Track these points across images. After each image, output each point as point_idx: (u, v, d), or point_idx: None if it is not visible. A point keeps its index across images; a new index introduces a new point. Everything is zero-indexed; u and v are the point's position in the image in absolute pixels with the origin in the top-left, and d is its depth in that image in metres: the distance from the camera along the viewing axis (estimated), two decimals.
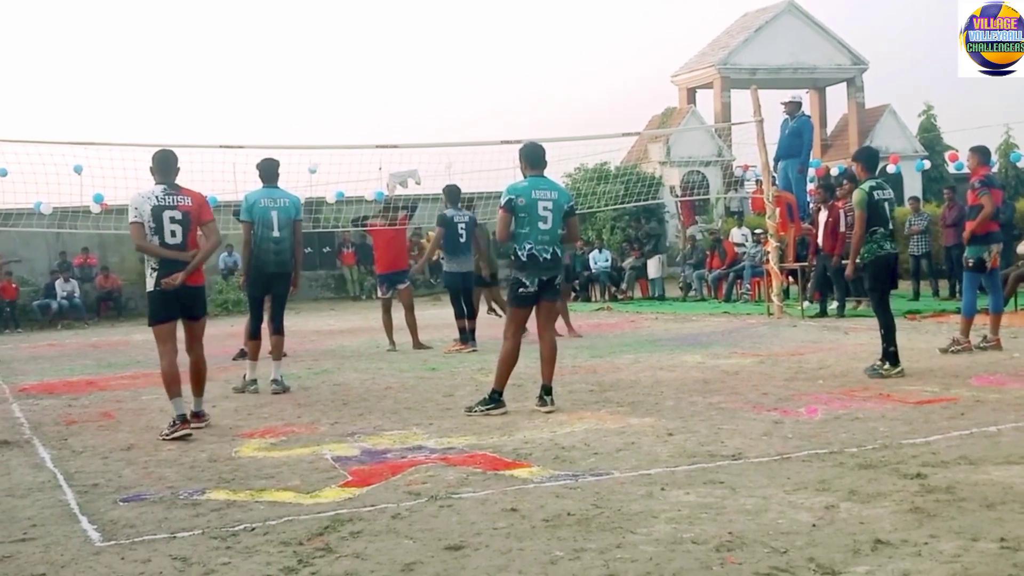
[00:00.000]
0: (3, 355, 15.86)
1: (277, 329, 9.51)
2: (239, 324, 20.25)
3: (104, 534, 4.69)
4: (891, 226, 8.79)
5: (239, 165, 18.61)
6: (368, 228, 13.91)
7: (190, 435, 7.06)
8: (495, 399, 7.61)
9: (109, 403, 9.15)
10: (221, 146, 15.78)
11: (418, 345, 12.92)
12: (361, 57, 70.35)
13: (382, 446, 6.51)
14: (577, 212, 7.89)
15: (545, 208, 7.55)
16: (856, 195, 8.86)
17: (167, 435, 7.07)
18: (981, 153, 10.57)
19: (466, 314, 12.73)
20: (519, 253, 7.56)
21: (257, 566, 4.11)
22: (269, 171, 9.69)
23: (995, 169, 28.76)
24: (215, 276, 26.13)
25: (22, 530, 4.85)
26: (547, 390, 7.68)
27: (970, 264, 10.14)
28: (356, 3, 72.29)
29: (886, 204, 8.79)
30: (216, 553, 4.30)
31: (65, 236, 24.33)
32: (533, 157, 7.79)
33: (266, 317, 9.67)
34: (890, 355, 8.59)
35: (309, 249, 29.29)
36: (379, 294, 13.30)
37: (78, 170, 17.76)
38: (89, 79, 65.61)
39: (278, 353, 9.51)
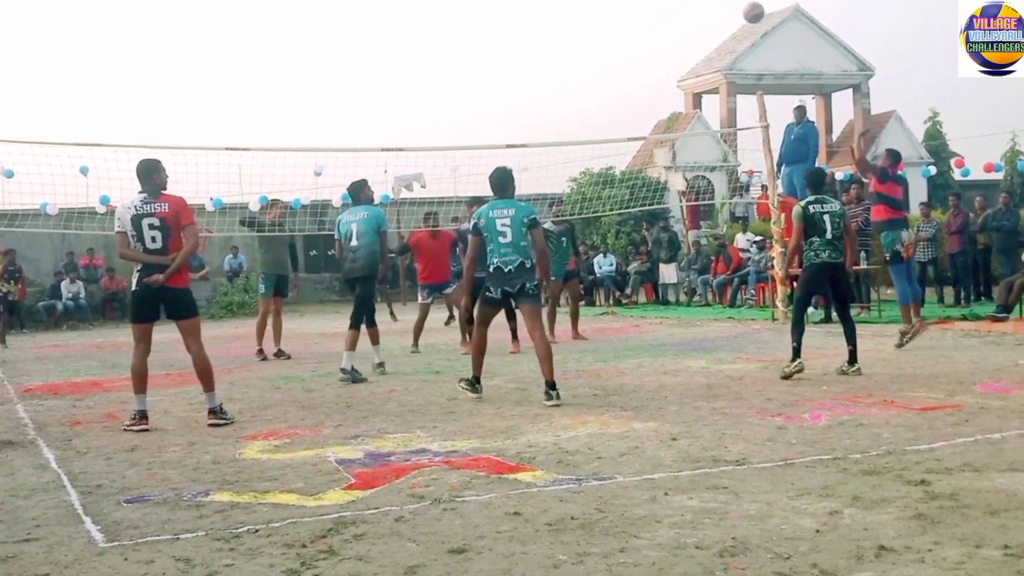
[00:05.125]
0: (8, 356, 15.89)
1: (369, 322, 10.78)
2: (244, 327, 20.31)
3: (108, 535, 4.70)
4: (830, 236, 9.28)
5: (245, 167, 18.69)
6: (411, 239, 14.08)
7: (147, 430, 7.55)
8: (472, 383, 8.62)
9: (113, 404, 9.16)
10: (227, 148, 15.80)
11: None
12: (367, 60, 70.46)
13: (386, 449, 6.52)
14: (538, 224, 8.49)
15: (503, 224, 8.30)
16: (793, 210, 9.66)
17: (127, 426, 7.65)
18: (892, 155, 12.23)
19: (506, 317, 12.81)
20: (488, 266, 8.37)
21: (260, 568, 4.11)
22: (355, 192, 10.97)
23: (1001, 175, 28.79)
24: (220, 278, 26.20)
25: (26, 530, 4.85)
26: (550, 385, 8.07)
27: (887, 257, 11.48)
28: (362, 6, 72.39)
29: (825, 216, 9.30)
30: (219, 555, 4.30)
31: (71, 237, 24.41)
32: (496, 184, 8.63)
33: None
34: (793, 349, 9.16)
35: (314, 252, 29.35)
36: (419, 299, 13.56)
37: (84, 171, 17.82)
38: (95, 81, 65.75)
39: (374, 340, 10.89)
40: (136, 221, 7.64)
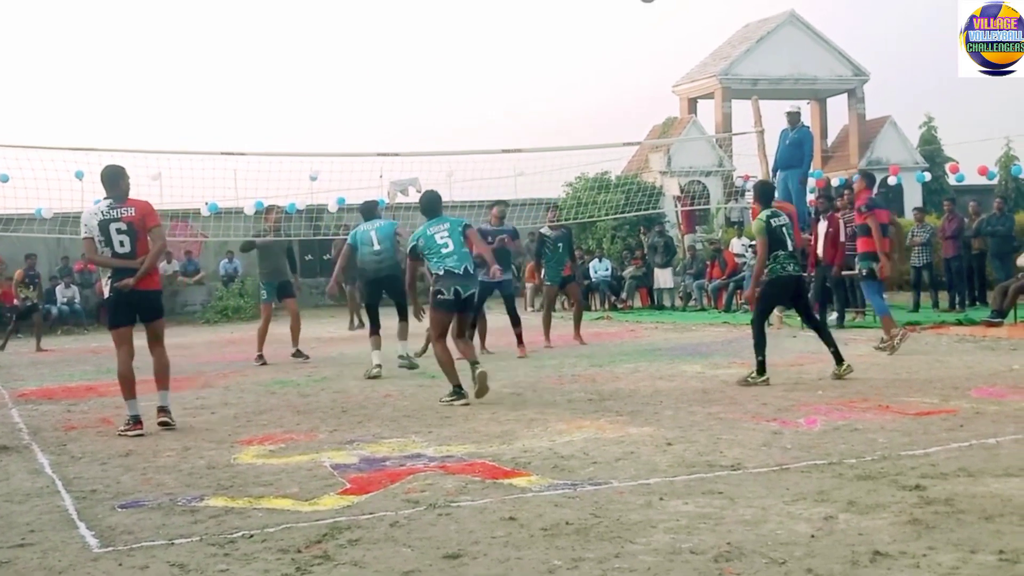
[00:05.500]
0: (3, 360, 15.86)
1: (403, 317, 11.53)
2: (239, 331, 20.31)
3: (102, 540, 4.69)
4: (790, 247, 9.47)
5: (240, 171, 18.69)
6: None
7: (142, 435, 7.55)
8: (456, 392, 8.69)
9: (108, 409, 9.14)
10: (222, 152, 15.82)
11: (485, 350, 13.00)
12: (362, 64, 70.49)
13: (381, 454, 6.51)
14: (471, 226, 9.29)
15: (442, 237, 8.95)
16: (755, 225, 9.71)
17: (122, 431, 7.66)
18: (867, 178, 12.21)
19: (511, 322, 12.99)
20: (437, 272, 8.87)
21: (255, 573, 4.11)
22: (368, 212, 11.97)
23: (996, 180, 28.85)
24: (215, 282, 26.17)
25: (20, 536, 4.85)
26: (474, 361, 8.79)
27: (863, 274, 11.74)
28: (357, 10, 72.43)
29: (783, 229, 9.45)
30: (214, 560, 4.30)
31: (66, 242, 24.30)
32: (427, 207, 9.31)
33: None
34: (759, 364, 9.17)
35: (309, 256, 29.29)
36: None
37: (79, 176, 17.80)
38: (91, 85, 65.70)
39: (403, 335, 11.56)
40: (104, 226, 7.76)
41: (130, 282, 7.65)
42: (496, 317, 13.99)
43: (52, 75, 64.12)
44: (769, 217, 9.43)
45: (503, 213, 13.31)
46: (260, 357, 12.93)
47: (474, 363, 8.74)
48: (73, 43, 66.68)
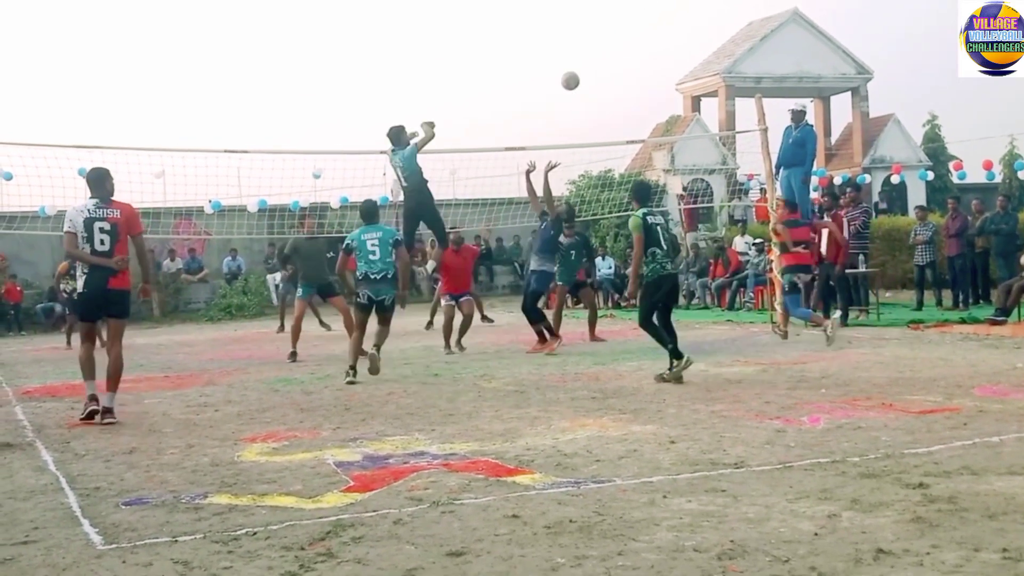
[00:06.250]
0: (7, 358, 15.88)
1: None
2: (243, 328, 20.32)
3: (106, 537, 4.70)
4: (665, 247, 9.62)
5: (244, 169, 18.67)
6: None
7: (97, 412, 8.05)
8: (350, 371, 10.23)
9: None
10: (225, 151, 15.82)
11: (460, 345, 13.49)
12: (366, 62, 70.42)
13: (384, 451, 6.52)
14: (402, 242, 10.69)
15: (372, 244, 10.38)
16: (632, 221, 9.81)
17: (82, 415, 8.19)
18: (789, 205, 13.60)
19: (535, 317, 13.14)
20: (359, 274, 10.37)
21: (259, 571, 4.11)
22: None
23: (998, 178, 28.82)
24: (219, 280, 26.18)
25: (24, 533, 4.86)
26: (377, 346, 10.27)
27: (786, 290, 12.78)
28: (361, 8, 72.40)
29: (658, 228, 9.63)
30: (218, 557, 4.30)
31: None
32: (365, 213, 10.86)
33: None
34: (672, 351, 9.38)
35: None
36: (443, 301, 14.28)
37: (83, 173, 17.80)
38: (94, 83, 65.69)
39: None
40: (88, 224, 8.10)
41: (155, 298, 8.12)
42: (499, 316, 14.01)
43: (56, 73, 64.14)
44: (645, 215, 9.60)
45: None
46: (293, 354, 12.91)
47: (374, 347, 10.22)
48: (76, 41, 66.71)
